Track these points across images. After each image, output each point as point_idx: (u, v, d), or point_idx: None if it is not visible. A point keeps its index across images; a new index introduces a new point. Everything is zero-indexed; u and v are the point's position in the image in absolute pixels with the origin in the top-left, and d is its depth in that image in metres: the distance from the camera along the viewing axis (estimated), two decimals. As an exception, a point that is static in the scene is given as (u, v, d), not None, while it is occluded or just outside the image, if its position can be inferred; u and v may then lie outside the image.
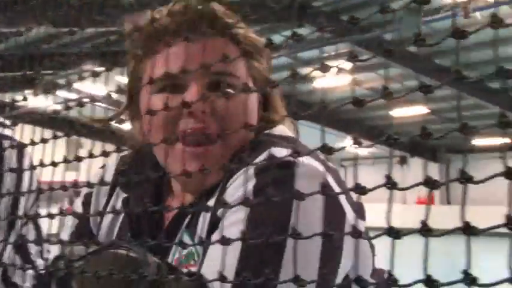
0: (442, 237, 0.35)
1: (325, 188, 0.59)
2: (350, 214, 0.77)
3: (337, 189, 0.78)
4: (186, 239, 0.82)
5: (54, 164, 0.70)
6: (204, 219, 0.79)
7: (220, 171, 0.75)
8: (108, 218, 0.95)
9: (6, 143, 1.11)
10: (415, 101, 11.67)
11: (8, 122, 1.08)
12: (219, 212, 0.74)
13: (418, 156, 18.84)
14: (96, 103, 0.72)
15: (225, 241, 0.50)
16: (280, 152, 0.74)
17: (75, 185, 0.66)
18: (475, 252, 0.36)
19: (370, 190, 0.38)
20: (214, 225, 0.75)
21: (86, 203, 0.99)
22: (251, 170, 0.73)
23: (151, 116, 0.69)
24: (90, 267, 0.57)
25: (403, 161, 19.48)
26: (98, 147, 0.66)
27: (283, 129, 0.88)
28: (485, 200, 13.19)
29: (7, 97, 0.89)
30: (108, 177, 0.93)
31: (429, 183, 0.34)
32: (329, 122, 13.92)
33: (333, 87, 10.98)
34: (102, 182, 0.70)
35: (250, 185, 0.73)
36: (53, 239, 0.73)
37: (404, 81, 11.44)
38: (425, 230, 0.34)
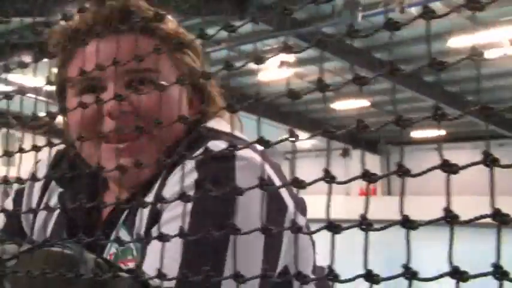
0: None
1: (265, 181, 0.59)
2: (291, 207, 0.77)
3: (277, 182, 0.78)
4: (123, 234, 0.81)
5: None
6: (142, 213, 0.78)
7: (153, 167, 0.75)
8: (41, 215, 0.92)
9: None
10: (355, 94, 11.98)
11: None
12: (159, 206, 0.74)
13: (360, 149, 19.24)
14: (27, 95, 0.69)
15: (164, 237, 0.49)
16: (219, 146, 0.74)
17: (6, 181, 0.64)
18: (415, 241, 0.36)
19: (309, 184, 0.37)
20: (154, 219, 0.74)
21: (17, 200, 0.96)
22: (190, 164, 0.72)
23: (72, 119, 0.67)
24: (23, 266, 0.55)
25: (345, 153, 19.70)
26: (31, 140, 0.64)
27: (220, 122, 0.88)
28: (422, 190, 13.79)
29: None
30: (42, 173, 0.89)
31: (367, 176, 0.35)
32: (272, 115, 14.00)
33: (276, 80, 11.08)
34: (34, 178, 0.68)
35: (191, 178, 0.73)
36: None
37: (345, 74, 11.74)
38: (365, 225, 0.34)
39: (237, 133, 0.84)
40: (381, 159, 19.85)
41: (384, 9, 8.68)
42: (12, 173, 0.69)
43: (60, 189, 0.93)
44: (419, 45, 10.10)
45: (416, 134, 15.67)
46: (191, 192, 0.71)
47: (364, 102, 13.86)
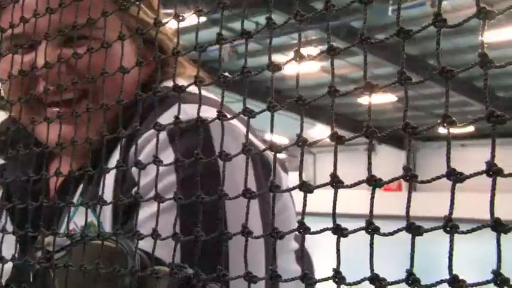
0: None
1: (247, 144, 0.56)
2: (277, 168, 0.76)
3: (258, 143, 0.75)
4: (82, 209, 0.70)
5: None
6: (108, 184, 0.71)
7: (99, 132, 0.64)
8: None
9: None
10: (382, 88, 11.97)
11: None
12: (134, 172, 0.68)
13: (386, 144, 19.16)
14: None
15: (155, 235, 0.49)
16: (186, 110, 0.64)
17: None
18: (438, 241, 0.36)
19: (316, 187, 0.37)
20: (120, 185, 0.70)
21: None
22: (162, 135, 0.63)
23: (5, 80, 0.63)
24: (74, 259, 0.54)
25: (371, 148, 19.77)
26: None
27: (181, 81, 0.73)
28: (447, 187, 13.64)
29: None
30: None
31: (372, 180, 0.35)
32: (295, 108, 13.98)
33: (302, 73, 11.13)
34: None
35: (168, 158, 0.62)
36: None
37: (373, 68, 11.63)
38: (372, 229, 0.34)
39: (203, 92, 0.71)
40: (406, 155, 19.40)
41: (418, 2, 8.46)
42: None
43: (1, 161, 0.87)
44: (448, 40, 9.95)
45: (444, 129, 15.44)
46: (173, 176, 0.67)
47: (391, 97, 13.88)
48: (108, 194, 0.66)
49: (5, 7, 0.78)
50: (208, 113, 0.55)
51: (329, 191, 0.34)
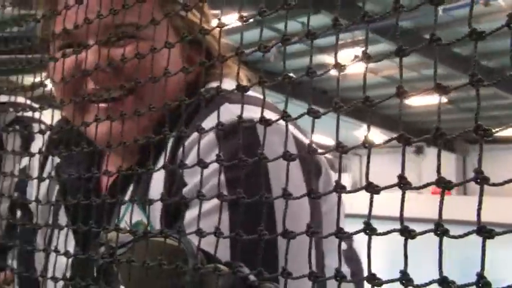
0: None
1: (299, 143, 0.58)
2: (324, 166, 0.76)
3: (305, 140, 0.73)
4: (136, 208, 0.71)
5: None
6: (157, 184, 0.72)
7: (148, 131, 0.66)
8: (43, 188, 0.85)
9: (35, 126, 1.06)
10: (432, 90, 12.65)
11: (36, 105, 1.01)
12: (187, 176, 0.67)
13: (434, 146, 17.73)
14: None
15: (217, 234, 0.49)
16: (232, 110, 0.63)
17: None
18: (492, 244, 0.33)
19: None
20: (169, 190, 0.69)
21: (21, 181, 0.93)
22: (211, 135, 0.65)
23: (55, 77, 0.66)
24: (137, 255, 0.54)
25: (419, 150, 19.07)
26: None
27: (227, 82, 0.72)
28: (501, 191, 13.72)
29: None
30: (39, 147, 0.82)
31: (441, 183, 0.33)
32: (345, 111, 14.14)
33: (349, 74, 10.59)
34: (30, 153, 0.66)
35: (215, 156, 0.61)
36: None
37: (422, 69, 11.05)
38: (370, 230, 0.34)
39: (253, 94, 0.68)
40: (457, 158, 19.06)
41: (469, 1, 7.78)
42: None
43: (58, 160, 0.89)
44: (500, 40, 9.29)
45: (508, 131, 15.19)
46: (221, 176, 0.62)
47: (441, 99, 14.64)
48: (157, 194, 0.64)
49: (55, 10, 0.78)
50: (255, 113, 0.54)
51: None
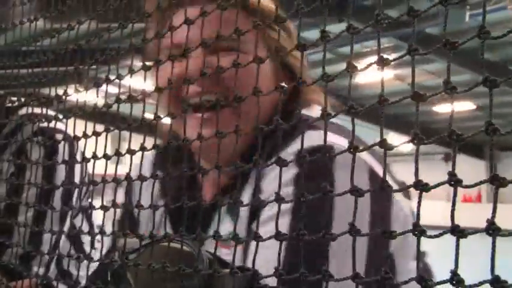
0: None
1: (373, 176, 0.61)
2: (403, 203, 0.77)
3: (380, 171, 0.74)
4: (227, 220, 0.82)
5: (95, 158, 0.71)
6: (245, 200, 0.78)
7: (243, 145, 0.76)
8: (148, 202, 0.89)
9: (59, 137, 1.05)
10: (460, 96, 12.18)
11: (60, 116, 1.03)
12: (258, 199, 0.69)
13: (463, 153, 17.82)
14: (144, 98, 0.73)
15: (277, 236, 0.50)
16: (313, 137, 0.66)
17: (115, 179, 0.68)
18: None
19: (433, 187, 0.36)
20: (253, 212, 0.75)
21: (128, 189, 0.98)
22: (290, 157, 0.64)
23: (159, 85, 0.69)
24: (144, 260, 0.57)
25: (447, 158, 18.97)
26: (139, 140, 0.67)
27: (312, 109, 0.84)
28: None
29: (53, 91, 0.90)
30: (146, 165, 0.87)
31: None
32: (367, 117, 12.74)
33: (375, 82, 10.55)
34: (140, 177, 0.67)
35: (291, 173, 0.72)
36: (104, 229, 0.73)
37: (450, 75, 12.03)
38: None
39: (335, 122, 0.76)
40: (486, 165, 18.51)
41: (498, 7, 7.79)
42: (120, 170, 0.72)
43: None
44: None
45: None
46: (290, 188, 0.73)
47: (469, 105, 13.30)
48: (244, 210, 0.75)
49: (161, 28, 0.83)
50: (336, 140, 0.60)
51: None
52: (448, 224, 0.35)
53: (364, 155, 0.76)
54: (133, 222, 0.98)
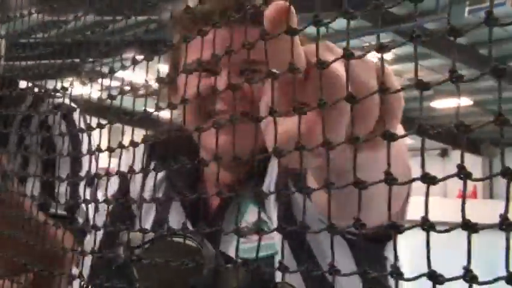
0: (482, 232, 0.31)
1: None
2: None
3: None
4: (252, 207, 0.81)
5: (99, 150, 0.71)
6: (268, 187, 0.81)
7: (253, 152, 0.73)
8: (147, 193, 0.94)
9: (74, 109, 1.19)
10: (456, 92, 12.36)
11: (74, 106, 1.11)
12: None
13: (460, 149, 18.49)
14: (139, 92, 0.73)
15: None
16: None
17: (108, 173, 0.67)
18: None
19: (441, 180, 0.33)
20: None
21: (124, 182, 1.00)
22: None
23: (184, 98, 0.67)
24: (148, 255, 0.57)
25: (444, 153, 18.77)
26: (140, 134, 0.67)
27: None
28: None
29: (51, 84, 0.89)
30: (139, 155, 0.89)
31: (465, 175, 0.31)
32: None
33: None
34: (137, 169, 0.66)
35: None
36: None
37: (446, 72, 11.72)
38: (506, 225, 0.30)
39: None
40: (483, 161, 18.46)
41: (497, 3, 9.15)
42: (113, 162, 0.73)
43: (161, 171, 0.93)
44: None
45: None
46: None
47: (466, 101, 13.18)
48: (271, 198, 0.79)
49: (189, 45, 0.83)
50: None
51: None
52: (445, 219, 0.34)
53: None
54: (129, 215, 0.98)
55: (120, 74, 0.81)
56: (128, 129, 0.72)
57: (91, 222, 0.64)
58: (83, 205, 1.18)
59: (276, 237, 0.76)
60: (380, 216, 0.38)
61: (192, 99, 0.75)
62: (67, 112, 1.12)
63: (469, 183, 0.33)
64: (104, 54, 0.80)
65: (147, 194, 0.93)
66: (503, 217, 0.29)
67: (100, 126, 0.71)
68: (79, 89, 0.90)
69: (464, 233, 0.31)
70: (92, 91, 0.84)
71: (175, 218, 0.92)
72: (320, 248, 0.79)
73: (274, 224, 0.77)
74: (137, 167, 0.81)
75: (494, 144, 17.76)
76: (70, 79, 0.93)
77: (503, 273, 0.30)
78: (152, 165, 0.95)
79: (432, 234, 0.33)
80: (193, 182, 0.92)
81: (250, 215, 0.81)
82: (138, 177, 1.00)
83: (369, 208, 0.43)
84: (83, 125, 1.09)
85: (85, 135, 1.34)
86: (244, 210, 0.81)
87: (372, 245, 0.77)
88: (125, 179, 1.00)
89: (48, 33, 0.97)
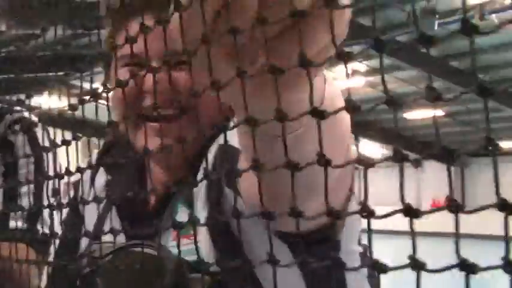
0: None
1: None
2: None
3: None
4: (182, 209, 0.80)
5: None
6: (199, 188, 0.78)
7: (195, 150, 0.77)
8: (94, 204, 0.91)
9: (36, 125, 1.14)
10: (429, 104, 12.70)
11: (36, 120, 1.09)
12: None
13: (434, 160, 17.28)
14: (99, 101, 0.70)
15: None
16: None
17: (58, 175, 0.66)
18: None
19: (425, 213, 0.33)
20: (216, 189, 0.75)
21: (75, 192, 0.98)
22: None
23: (113, 94, 0.68)
24: (113, 265, 0.58)
25: (416, 164, 19.53)
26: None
27: None
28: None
29: (15, 98, 0.90)
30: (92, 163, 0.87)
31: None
32: None
33: (346, 88, 11.95)
34: (84, 168, 0.64)
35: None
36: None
37: (419, 84, 11.12)
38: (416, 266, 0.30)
39: None
40: (455, 170, 19.04)
41: (464, 16, 9.36)
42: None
43: (108, 177, 0.94)
44: (499, 54, 9.69)
45: (504, 144, 15.03)
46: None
47: (437, 112, 14.43)
48: (200, 192, 0.77)
49: (119, 31, 0.83)
50: None
51: (378, 209, 0.32)
52: (420, 229, 0.32)
53: None
54: (82, 223, 0.97)
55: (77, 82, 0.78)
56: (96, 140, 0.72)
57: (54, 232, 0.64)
58: (46, 215, 1.16)
59: (203, 241, 0.73)
60: (322, 207, 0.35)
61: (121, 100, 0.76)
62: (27, 128, 1.11)
63: (442, 192, 0.32)
64: (74, 69, 0.78)
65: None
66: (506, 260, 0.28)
67: (66, 143, 0.68)
68: (40, 99, 0.90)
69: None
70: (52, 102, 0.84)
71: (113, 223, 0.90)
72: (253, 252, 0.74)
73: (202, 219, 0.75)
74: (88, 173, 0.83)
75: (465, 155, 17.78)
76: (35, 92, 0.92)
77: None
78: (100, 172, 0.97)
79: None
80: (132, 185, 0.90)
81: (182, 216, 0.79)
82: (86, 183, 0.97)
83: (308, 193, 0.42)
84: (46, 141, 1.07)
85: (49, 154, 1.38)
86: (176, 210, 0.80)
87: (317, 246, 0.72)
88: (76, 186, 0.98)
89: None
